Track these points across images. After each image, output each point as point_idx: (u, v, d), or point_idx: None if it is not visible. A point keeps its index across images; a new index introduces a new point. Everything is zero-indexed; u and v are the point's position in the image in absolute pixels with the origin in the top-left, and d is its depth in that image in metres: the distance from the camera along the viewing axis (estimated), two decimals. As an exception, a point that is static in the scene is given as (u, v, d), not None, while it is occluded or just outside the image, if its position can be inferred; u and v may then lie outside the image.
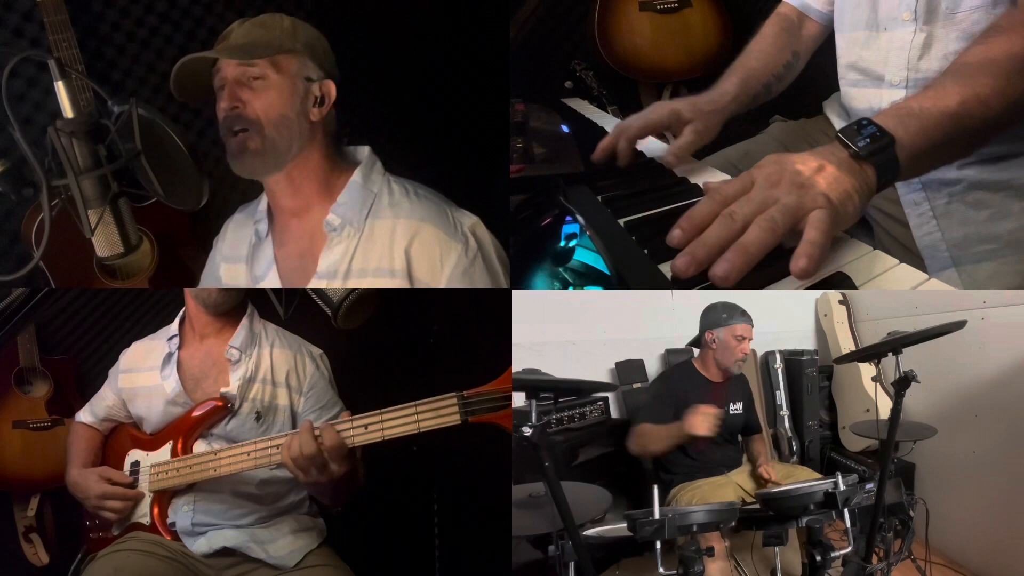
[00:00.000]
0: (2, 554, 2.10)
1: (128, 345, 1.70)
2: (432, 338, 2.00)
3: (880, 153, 1.02)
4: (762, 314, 2.17)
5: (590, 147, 1.56)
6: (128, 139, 1.09)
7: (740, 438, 2.16)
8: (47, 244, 1.00)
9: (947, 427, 2.10)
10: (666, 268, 1.05)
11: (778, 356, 2.70)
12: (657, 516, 1.42)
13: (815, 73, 1.78)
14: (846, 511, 1.60)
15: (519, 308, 1.84)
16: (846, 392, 2.69)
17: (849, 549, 1.63)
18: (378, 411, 1.34)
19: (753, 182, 1.02)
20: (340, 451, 1.34)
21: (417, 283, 1.36)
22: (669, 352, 2.57)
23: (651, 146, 1.61)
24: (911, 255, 1.43)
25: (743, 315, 2.07)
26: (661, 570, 1.43)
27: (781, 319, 2.79)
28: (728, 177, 1.40)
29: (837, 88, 1.65)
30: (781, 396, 2.66)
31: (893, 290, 1.01)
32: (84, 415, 1.70)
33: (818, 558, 1.60)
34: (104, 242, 1.09)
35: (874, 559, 1.71)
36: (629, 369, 2.46)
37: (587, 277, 1.28)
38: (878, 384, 2.37)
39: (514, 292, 1.57)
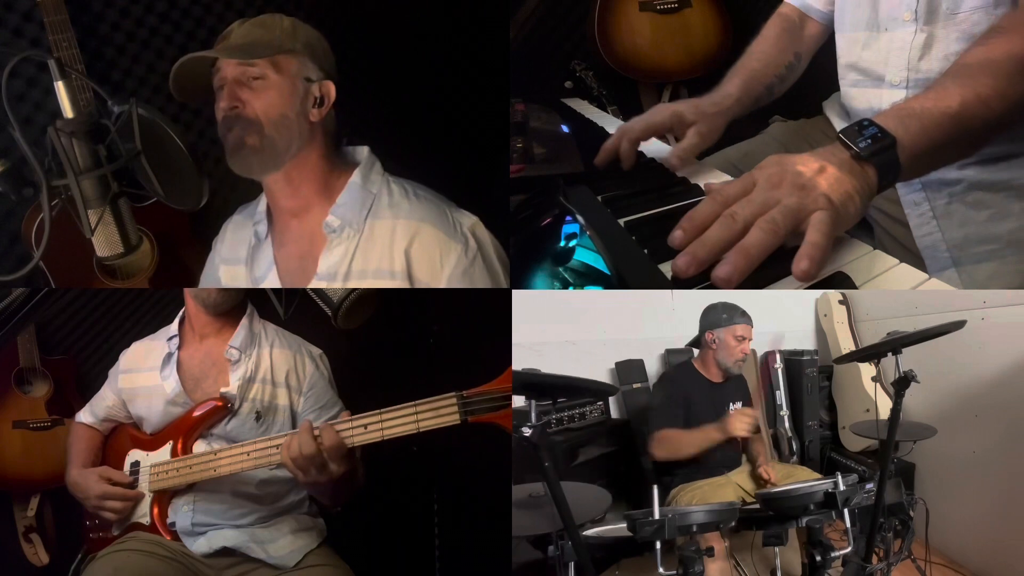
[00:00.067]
0: (2, 554, 2.10)
1: (128, 345, 1.70)
2: (432, 338, 2.00)
3: (881, 154, 1.02)
4: (762, 314, 2.18)
5: (590, 147, 1.56)
6: (128, 139, 1.09)
7: (740, 438, 2.16)
8: (47, 244, 1.00)
9: (947, 427, 2.10)
10: (666, 268, 1.05)
11: (778, 356, 2.70)
12: (657, 516, 1.42)
13: (815, 73, 1.77)
14: (846, 511, 1.60)
15: (519, 308, 1.84)
16: (846, 392, 2.69)
17: (849, 549, 1.63)
18: (377, 411, 1.34)
19: (754, 183, 1.02)
20: (339, 451, 1.34)
21: (417, 284, 1.36)
22: (669, 352, 2.57)
23: (653, 147, 1.61)
24: (911, 255, 1.43)
25: (743, 315, 2.07)
26: (661, 570, 1.43)
27: (781, 319, 2.79)
28: (729, 178, 1.40)
29: (837, 88, 1.65)
30: (781, 396, 2.66)
31: (893, 290, 1.01)
32: (84, 415, 1.70)
33: (818, 558, 1.60)
34: (104, 242, 1.09)
35: (874, 559, 1.71)
36: (629, 369, 2.46)
37: (587, 277, 1.28)
38: (878, 384, 2.37)
39: (514, 292, 1.57)
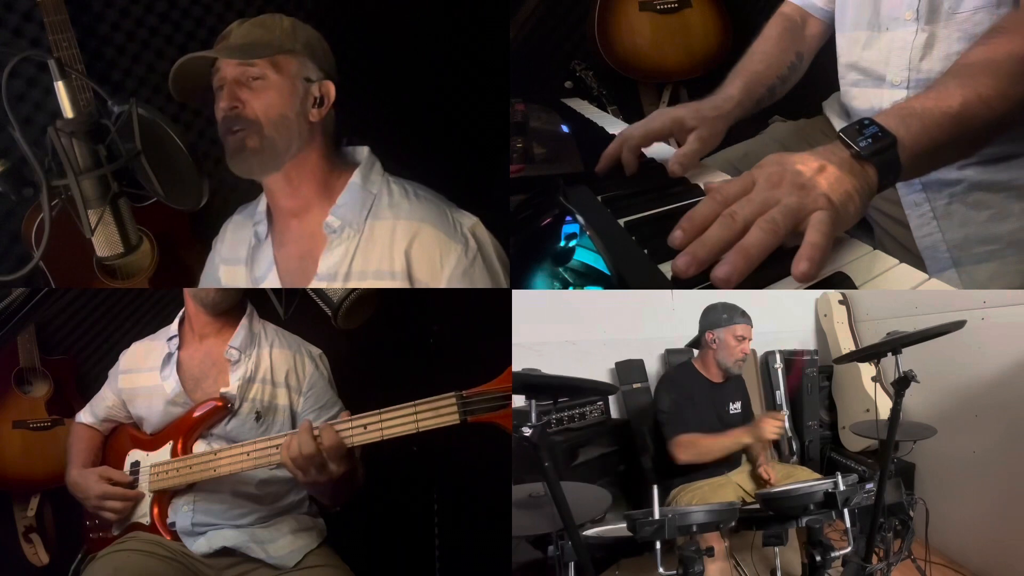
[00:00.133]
0: (2, 554, 2.10)
1: (128, 345, 1.70)
2: (432, 338, 2.00)
3: (882, 153, 1.02)
4: (762, 314, 2.18)
5: (590, 147, 1.55)
6: (128, 139, 1.09)
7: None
8: (47, 244, 1.00)
9: (947, 427, 2.10)
10: (666, 268, 1.05)
11: (778, 356, 2.70)
12: (657, 516, 1.42)
13: (815, 73, 1.77)
14: (846, 511, 1.60)
15: (519, 308, 1.84)
16: (846, 392, 2.69)
17: (849, 549, 1.64)
18: (377, 411, 1.34)
19: (754, 182, 1.02)
20: (339, 451, 1.34)
21: (417, 284, 1.36)
22: (669, 352, 2.57)
23: (653, 148, 1.61)
24: (911, 256, 1.43)
25: (743, 315, 2.07)
26: (661, 570, 1.43)
27: (781, 319, 2.79)
28: (729, 178, 1.39)
29: (836, 88, 1.65)
30: (781, 396, 2.66)
31: (893, 290, 1.01)
32: (84, 415, 1.70)
33: (818, 558, 1.60)
34: (104, 242, 1.09)
35: (874, 559, 1.71)
36: (629, 369, 2.46)
37: (587, 277, 1.28)
38: (878, 384, 2.37)
39: (514, 292, 1.57)
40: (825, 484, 1.59)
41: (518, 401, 1.33)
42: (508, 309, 1.80)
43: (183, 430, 1.54)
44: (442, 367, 1.94)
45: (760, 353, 2.69)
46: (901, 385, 1.55)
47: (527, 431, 1.21)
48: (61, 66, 1.02)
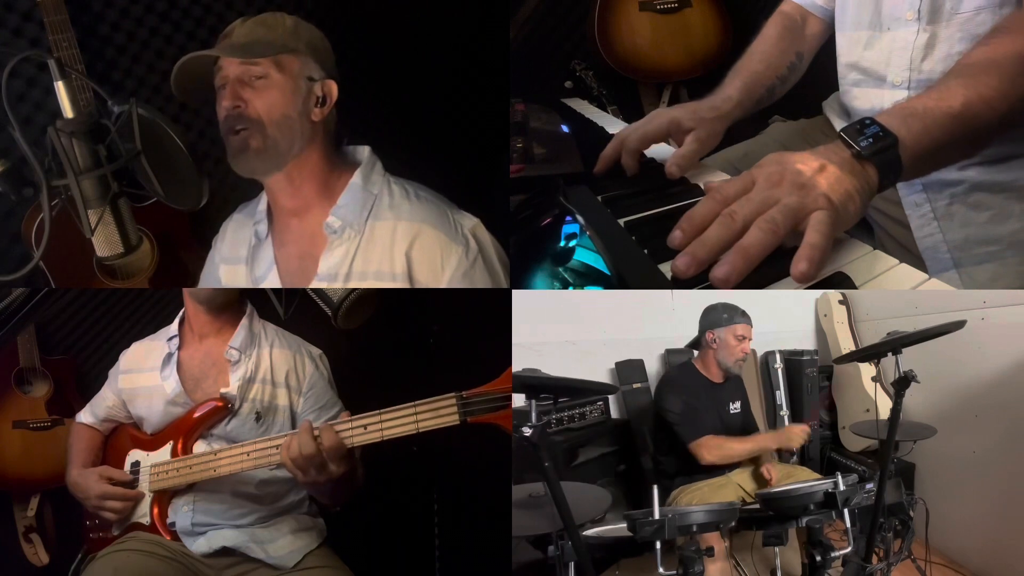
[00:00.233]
0: (2, 554, 2.10)
1: (128, 345, 1.70)
2: (432, 338, 2.00)
3: (883, 153, 1.02)
4: (762, 314, 2.18)
5: (590, 147, 1.55)
6: (128, 139, 1.09)
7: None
8: (47, 244, 1.00)
9: (947, 427, 2.10)
10: (666, 268, 1.05)
11: (778, 356, 2.70)
12: (657, 516, 1.42)
13: (815, 73, 1.77)
14: (846, 511, 1.60)
15: (519, 308, 1.84)
16: (846, 392, 2.69)
17: (849, 549, 1.63)
18: (377, 411, 1.34)
19: (754, 182, 1.02)
20: (339, 451, 1.34)
21: (418, 285, 1.36)
22: (669, 352, 2.57)
23: (655, 149, 1.61)
24: (911, 256, 1.43)
25: (743, 315, 2.07)
26: (661, 570, 1.43)
27: (781, 319, 2.79)
28: (729, 177, 1.39)
29: (836, 88, 1.65)
30: (781, 396, 2.66)
31: (893, 290, 1.01)
32: (84, 415, 1.70)
33: (818, 558, 1.60)
34: (104, 242, 1.09)
35: (874, 559, 1.71)
36: (629, 369, 2.46)
37: (587, 277, 1.28)
38: (878, 384, 2.37)
39: (514, 292, 1.57)
40: (825, 484, 1.59)
41: (518, 401, 1.33)
42: (508, 309, 1.80)
43: (183, 430, 1.54)
44: (442, 367, 1.94)
45: (760, 353, 2.69)
46: (901, 385, 1.55)
47: (527, 431, 1.21)
48: (61, 66, 1.02)
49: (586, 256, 1.29)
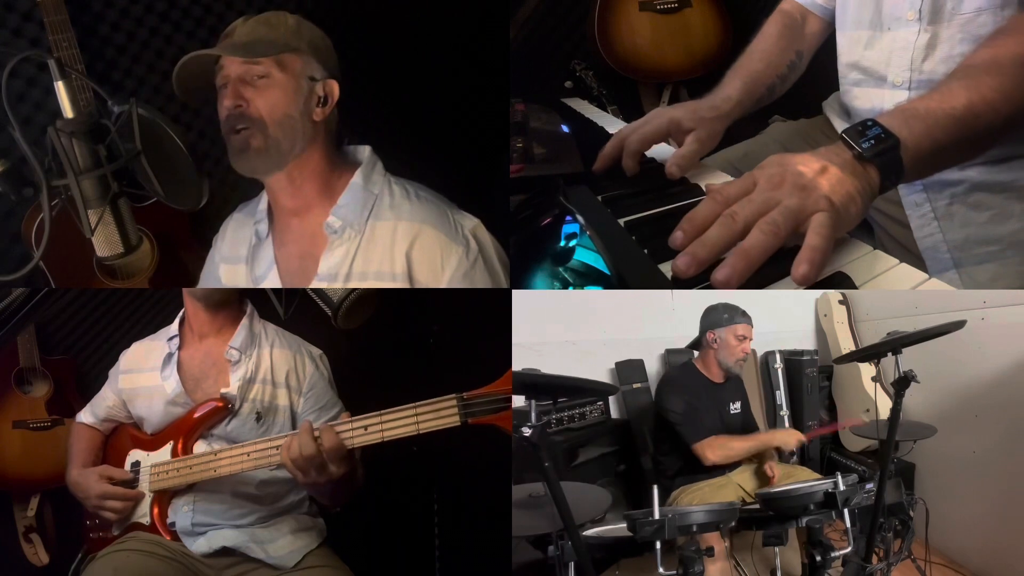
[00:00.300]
0: (2, 554, 2.10)
1: (128, 345, 1.70)
2: (432, 338, 2.00)
3: (884, 155, 1.01)
4: (762, 314, 2.18)
5: (590, 147, 1.55)
6: (128, 139, 1.09)
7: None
8: (47, 244, 1.00)
9: (947, 427, 2.10)
10: (666, 268, 1.05)
11: (778, 356, 2.70)
12: (657, 516, 1.42)
13: (815, 73, 1.77)
14: (846, 511, 1.60)
15: (519, 308, 1.84)
16: (846, 392, 2.69)
17: (849, 549, 1.63)
18: (378, 412, 1.34)
19: (755, 183, 1.02)
20: (339, 452, 1.33)
21: (418, 286, 1.36)
22: (669, 352, 2.57)
23: (655, 148, 1.61)
24: (911, 256, 1.43)
25: (744, 315, 2.08)
26: (661, 570, 1.43)
27: (781, 319, 2.80)
28: (730, 178, 1.39)
29: (836, 88, 1.64)
30: (781, 396, 2.66)
31: (893, 290, 1.01)
32: (85, 415, 1.70)
33: (818, 558, 1.60)
34: (104, 242, 1.09)
35: (874, 559, 1.71)
36: (629, 369, 2.46)
37: (587, 277, 1.28)
38: (878, 384, 2.37)
39: (514, 292, 1.57)
40: (825, 484, 1.59)
41: (518, 401, 1.33)
42: (508, 309, 1.80)
43: (183, 430, 1.54)
44: (442, 367, 1.94)
45: (760, 353, 2.69)
46: (901, 385, 1.55)
47: (527, 431, 1.21)
48: (61, 66, 1.02)
49: (586, 256, 1.29)
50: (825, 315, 2.85)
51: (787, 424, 2.64)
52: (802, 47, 1.72)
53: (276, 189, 1.43)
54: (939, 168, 1.18)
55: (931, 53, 1.35)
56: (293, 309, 1.53)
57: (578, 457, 2.22)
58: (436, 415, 1.31)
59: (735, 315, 2.07)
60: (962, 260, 1.39)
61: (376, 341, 1.85)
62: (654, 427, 2.19)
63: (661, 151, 1.57)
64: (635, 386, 2.43)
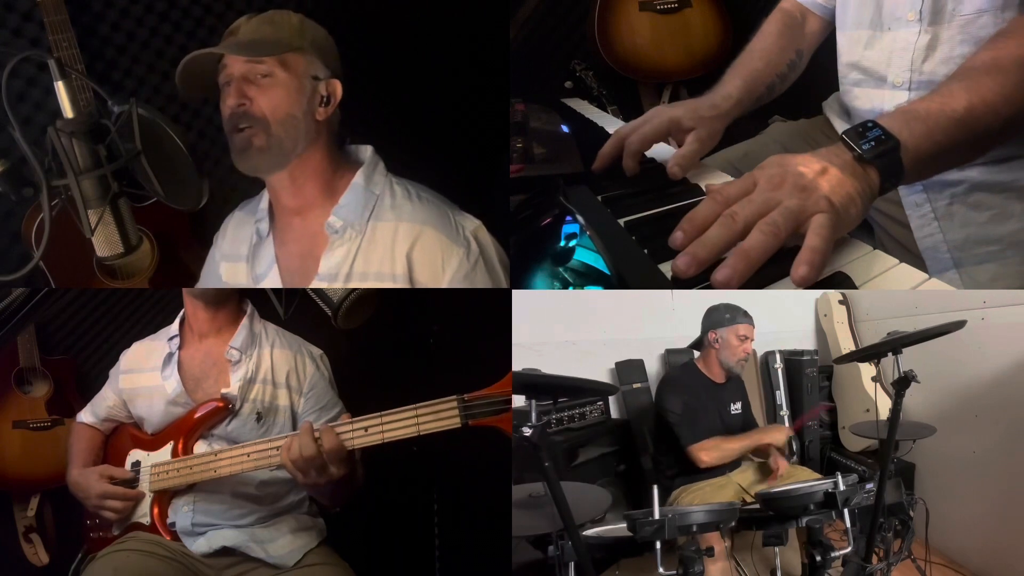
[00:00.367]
0: (2, 554, 2.10)
1: (128, 345, 1.70)
2: (432, 338, 2.00)
3: (884, 156, 1.01)
4: (762, 314, 2.18)
5: (590, 147, 1.55)
6: (128, 139, 1.09)
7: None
8: (47, 244, 1.00)
9: (947, 427, 2.10)
10: (666, 268, 1.05)
11: (778, 356, 2.70)
12: (657, 516, 1.42)
13: (815, 72, 1.77)
14: (846, 511, 1.60)
15: (519, 308, 1.84)
16: (846, 392, 2.69)
17: (849, 549, 1.63)
18: (378, 414, 1.34)
19: (755, 183, 1.02)
20: (339, 454, 1.34)
21: (418, 287, 1.36)
22: (669, 352, 2.57)
23: (655, 148, 1.61)
24: (911, 256, 1.43)
25: (745, 315, 2.08)
26: (661, 570, 1.43)
27: (781, 319, 2.80)
28: (730, 178, 1.39)
29: (836, 88, 1.64)
30: (781, 396, 2.66)
31: (893, 290, 1.01)
32: (85, 415, 1.70)
33: (818, 558, 1.60)
34: (104, 242, 1.09)
35: (874, 559, 1.70)
36: (629, 369, 2.46)
37: (587, 277, 1.28)
38: (878, 384, 2.37)
39: (514, 292, 1.57)
40: (825, 484, 1.59)
41: (518, 401, 1.33)
42: (508, 309, 1.80)
43: (184, 430, 1.54)
44: (442, 367, 1.94)
45: (760, 353, 2.69)
46: (901, 385, 1.55)
47: (527, 431, 1.21)
48: (61, 66, 1.02)
49: (586, 256, 1.29)
50: (825, 315, 2.85)
51: (787, 424, 2.64)
52: (802, 46, 1.72)
53: (278, 188, 1.42)
54: (939, 170, 1.18)
55: (931, 54, 1.35)
56: (293, 309, 1.53)
57: (578, 457, 2.22)
58: (436, 416, 1.31)
59: (737, 315, 2.07)
60: (962, 260, 1.39)
61: (376, 341, 1.85)
62: (654, 427, 2.19)
63: (661, 151, 1.57)
64: (635, 386, 2.43)
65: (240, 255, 1.52)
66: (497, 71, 2.03)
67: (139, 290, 2.09)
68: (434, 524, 1.98)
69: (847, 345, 2.77)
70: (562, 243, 1.34)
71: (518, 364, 1.63)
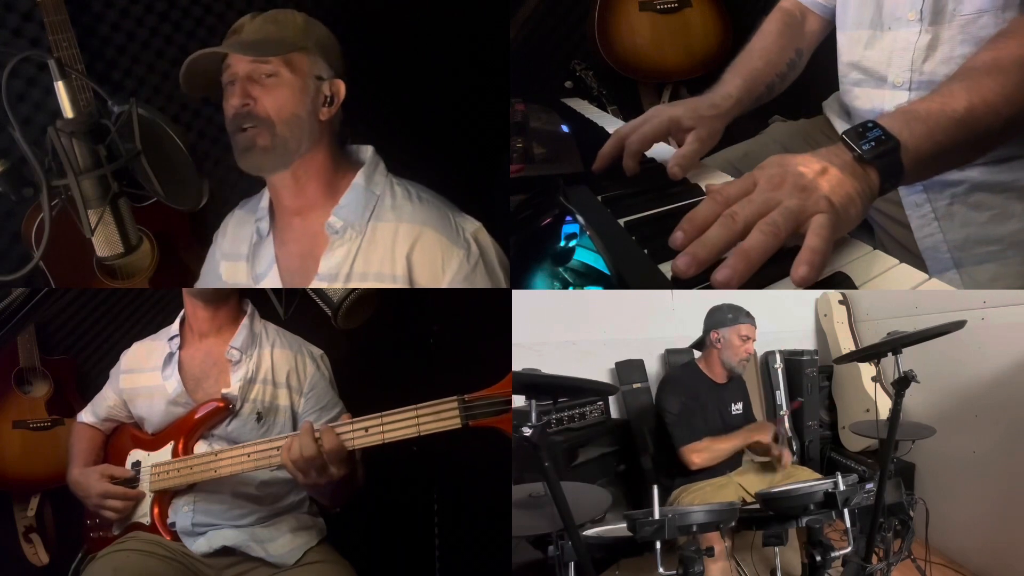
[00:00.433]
0: (2, 554, 2.10)
1: (128, 345, 1.70)
2: (432, 338, 2.00)
3: (885, 157, 1.01)
4: (762, 314, 2.18)
5: (590, 147, 1.55)
6: (128, 139, 1.09)
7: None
8: (47, 244, 1.00)
9: (947, 427, 2.10)
10: (666, 268, 1.05)
11: (778, 356, 2.70)
12: (657, 516, 1.42)
13: (815, 72, 1.77)
14: (846, 511, 1.60)
15: (519, 308, 1.84)
16: (846, 392, 2.69)
17: (849, 549, 1.63)
18: (378, 414, 1.34)
19: (755, 183, 1.02)
20: (340, 454, 1.33)
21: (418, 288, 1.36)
22: (669, 352, 2.57)
23: (655, 148, 1.61)
24: (911, 256, 1.43)
25: (748, 315, 2.08)
26: (661, 570, 1.43)
27: (781, 319, 2.79)
28: (730, 178, 1.39)
29: (836, 88, 1.64)
30: (781, 396, 2.66)
31: (893, 290, 1.01)
32: (86, 415, 1.70)
33: (818, 558, 1.60)
34: (104, 242, 1.09)
35: (874, 559, 1.70)
36: (629, 369, 2.46)
37: (587, 277, 1.28)
38: (878, 384, 2.37)
39: (514, 292, 1.57)
40: (825, 484, 1.59)
41: (518, 401, 1.33)
42: (508, 309, 1.80)
43: (184, 430, 1.54)
44: (442, 367, 1.94)
45: (760, 353, 2.69)
46: (901, 385, 1.55)
47: (527, 431, 1.21)
48: (61, 66, 1.02)
49: (586, 256, 1.29)
50: (825, 315, 2.85)
51: (787, 424, 2.64)
52: (802, 45, 1.72)
53: (280, 188, 1.42)
54: (940, 170, 1.18)
55: (932, 54, 1.35)
56: (293, 309, 1.53)
57: (578, 457, 2.22)
58: (437, 417, 1.31)
59: (739, 315, 2.07)
60: (962, 260, 1.39)
61: (376, 341, 1.85)
62: (654, 427, 2.19)
63: (661, 151, 1.57)
64: (635, 386, 2.43)
65: (240, 254, 1.52)
66: (497, 71, 2.02)
67: (139, 290, 2.09)
68: (434, 524, 1.98)
69: (847, 345, 2.77)
70: (562, 243, 1.34)
71: (518, 364, 1.63)
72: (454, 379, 1.34)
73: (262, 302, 1.62)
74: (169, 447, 1.55)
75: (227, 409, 1.53)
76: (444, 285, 1.35)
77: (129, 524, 1.56)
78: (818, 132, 1.73)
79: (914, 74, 1.39)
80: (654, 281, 1.05)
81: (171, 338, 1.61)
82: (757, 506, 1.72)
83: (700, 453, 1.96)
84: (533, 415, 1.25)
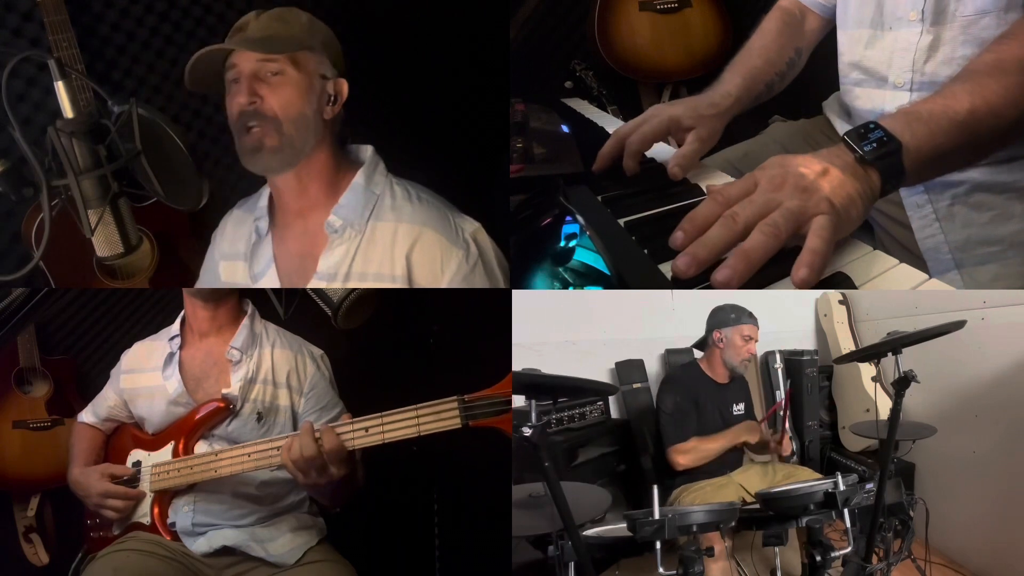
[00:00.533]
0: (2, 554, 2.10)
1: (129, 345, 1.70)
2: (432, 338, 2.00)
3: (886, 158, 1.01)
4: (762, 314, 2.18)
5: (590, 147, 1.55)
6: (128, 139, 1.09)
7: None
8: (47, 244, 1.00)
9: (947, 427, 2.10)
10: (666, 268, 1.05)
11: (778, 356, 2.69)
12: (657, 516, 1.42)
13: (815, 72, 1.77)
14: (846, 511, 1.60)
15: (519, 308, 1.84)
16: (846, 392, 2.69)
17: (849, 549, 1.63)
18: (378, 414, 1.34)
19: (756, 184, 1.02)
20: (340, 454, 1.33)
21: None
22: (669, 352, 2.57)
23: (655, 148, 1.61)
24: (912, 256, 1.43)
25: (750, 316, 2.08)
26: (661, 570, 1.43)
27: (781, 319, 2.79)
28: (730, 178, 1.39)
29: (836, 88, 1.64)
30: (781, 396, 2.66)
31: (893, 290, 1.01)
32: (86, 415, 1.70)
33: (818, 558, 1.60)
34: (104, 242, 1.09)
35: (874, 559, 1.70)
36: (629, 369, 2.46)
37: (587, 277, 1.28)
38: (878, 384, 2.37)
39: (514, 292, 1.57)
40: (825, 484, 1.59)
41: (518, 401, 1.33)
42: (508, 309, 1.80)
43: (185, 430, 1.54)
44: (442, 367, 1.94)
45: (760, 353, 2.68)
46: (901, 385, 1.55)
47: (527, 431, 1.21)
48: (61, 66, 1.02)
49: (586, 256, 1.29)
50: (825, 315, 2.85)
51: (787, 424, 2.63)
52: (801, 44, 1.72)
53: (283, 188, 1.42)
54: (941, 172, 1.18)
55: (933, 55, 1.35)
56: (293, 309, 1.53)
57: (578, 457, 2.22)
58: (437, 417, 1.31)
59: (742, 315, 2.07)
60: (963, 261, 1.39)
61: (376, 341, 1.85)
62: (654, 427, 2.19)
63: (661, 151, 1.57)
64: (635, 386, 2.43)
65: (238, 253, 1.52)
66: (497, 71, 2.02)
67: (139, 290, 2.09)
68: (434, 524, 1.98)
69: (847, 345, 2.77)
70: (562, 243, 1.34)
71: (518, 364, 1.63)
72: (454, 379, 1.34)
73: (262, 302, 1.62)
74: (169, 447, 1.55)
75: (227, 409, 1.53)
76: (443, 285, 1.35)
77: (129, 524, 1.56)
78: (818, 132, 1.73)
79: (915, 75, 1.38)
80: (654, 281, 1.05)
81: (171, 338, 1.61)
82: (757, 506, 1.72)
83: (686, 454, 1.96)
84: (533, 415, 1.25)
